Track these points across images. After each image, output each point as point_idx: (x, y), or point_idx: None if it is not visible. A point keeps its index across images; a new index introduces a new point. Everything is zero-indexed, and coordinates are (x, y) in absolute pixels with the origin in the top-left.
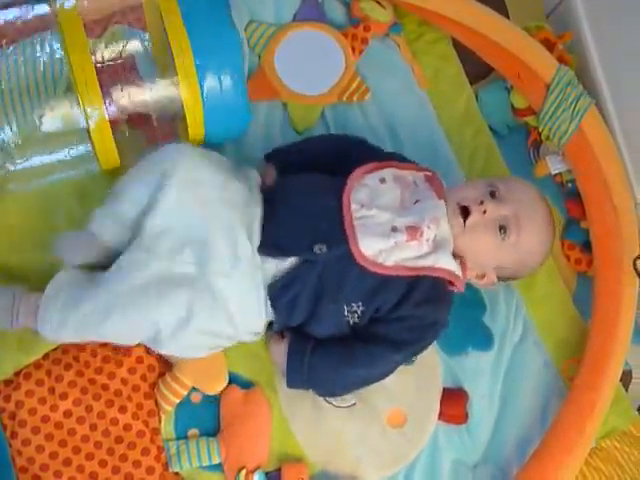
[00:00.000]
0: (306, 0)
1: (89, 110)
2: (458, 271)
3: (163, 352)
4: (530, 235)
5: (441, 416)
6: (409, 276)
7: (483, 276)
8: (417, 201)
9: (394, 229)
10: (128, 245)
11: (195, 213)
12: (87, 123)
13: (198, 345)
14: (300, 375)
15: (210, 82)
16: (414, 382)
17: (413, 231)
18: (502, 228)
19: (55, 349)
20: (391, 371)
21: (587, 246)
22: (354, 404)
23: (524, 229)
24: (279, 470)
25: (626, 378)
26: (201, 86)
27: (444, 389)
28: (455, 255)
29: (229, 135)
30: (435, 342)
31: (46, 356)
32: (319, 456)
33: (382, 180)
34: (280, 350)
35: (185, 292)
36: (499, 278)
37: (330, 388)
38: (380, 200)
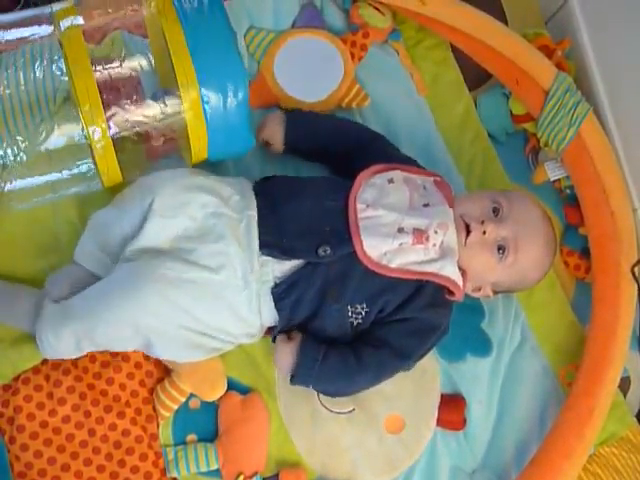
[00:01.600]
0: (305, 7)
1: (92, 130)
2: (460, 281)
3: (161, 357)
4: (528, 257)
5: (439, 422)
6: (413, 280)
7: (479, 289)
8: (426, 204)
9: (400, 230)
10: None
11: (184, 226)
12: (90, 143)
13: (194, 348)
14: (309, 375)
15: (214, 108)
16: (412, 388)
17: (419, 234)
18: (500, 248)
19: None
20: (392, 376)
21: (586, 252)
22: (353, 410)
23: (522, 251)
24: (277, 475)
25: (624, 384)
26: (205, 113)
27: (442, 395)
28: (458, 266)
29: (231, 156)
30: (434, 348)
31: (45, 361)
32: (317, 462)
33: (390, 180)
34: (288, 349)
35: (181, 293)
36: (495, 292)
37: (334, 389)
38: (387, 200)
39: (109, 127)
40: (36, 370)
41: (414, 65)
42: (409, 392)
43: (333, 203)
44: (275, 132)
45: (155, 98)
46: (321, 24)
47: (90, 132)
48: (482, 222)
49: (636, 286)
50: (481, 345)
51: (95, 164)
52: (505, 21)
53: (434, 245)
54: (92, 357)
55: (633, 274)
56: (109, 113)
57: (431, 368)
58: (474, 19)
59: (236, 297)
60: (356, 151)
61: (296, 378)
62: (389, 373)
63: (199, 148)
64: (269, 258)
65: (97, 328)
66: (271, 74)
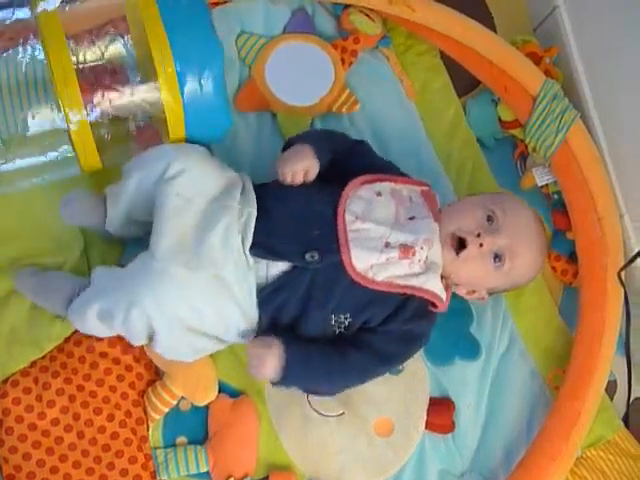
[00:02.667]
0: (296, 12)
1: (69, 112)
2: (443, 295)
3: (161, 354)
4: (525, 261)
5: (428, 425)
6: (398, 293)
7: (474, 292)
8: (412, 217)
9: (387, 245)
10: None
11: (194, 212)
12: (67, 125)
13: (184, 346)
14: (295, 377)
15: (190, 85)
16: (401, 392)
17: (406, 249)
18: (497, 257)
19: (43, 357)
20: (376, 378)
21: (573, 257)
22: (342, 413)
23: (519, 257)
24: (267, 478)
25: (611, 388)
26: (181, 88)
27: (431, 398)
28: (442, 277)
29: (210, 138)
30: (422, 352)
31: (33, 364)
32: (307, 465)
33: (378, 193)
34: (271, 355)
35: (174, 288)
36: (490, 294)
37: (316, 388)
38: (375, 214)
39: (87, 111)
40: (25, 373)
41: (404, 71)
42: (398, 396)
43: (322, 209)
44: (312, 164)
45: (134, 82)
46: (312, 30)
47: (67, 114)
48: (478, 235)
49: (622, 291)
50: (470, 349)
51: (73, 147)
52: (494, 28)
53: (419, 260)
54: (81, 358)
55: (620, 279)
56: (87, 97)
57: (420, 372)
58: (463, 26)
59: (239, 291)
60: (342, 158)
61: (282, 381)
62: (372, 376)
63: (176, 127)
64: (258, 258)
65: (116, 317)
66: (262, 79)
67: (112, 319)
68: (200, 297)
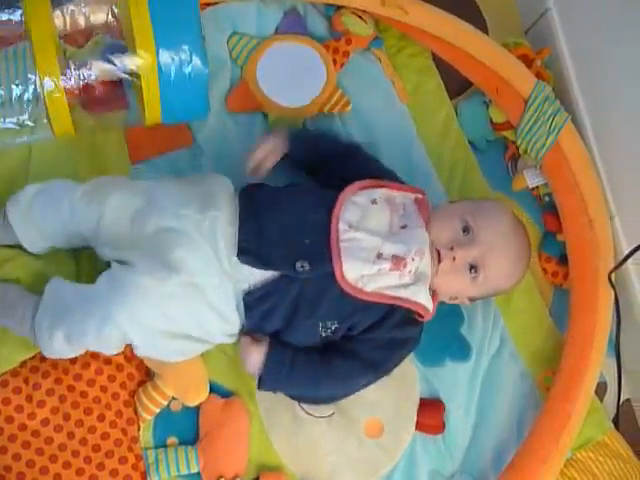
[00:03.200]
0: (288, 13)
1: (45, 78)
2: (430, 305)
3: (146, 356)
4: (500, 271)
5: (418, 426)
6: (385, 304)
7: (456, 298)
8: (404, 226)
9: (379, 256)
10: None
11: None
12: (42, 88)
13: (167, 349)
14: (276, 380)
15: (168, 56)
16: (392, 393)
17: (398, 261)
18: (473, 268)
19: (33, 357)
20: (363, 388)
21: (564, 259)
22: (333, 414)
23: (493, 267)
24: (257, 479)
25: (601, 390)
26: (158, 60)
27: (421, 399)
28: (429, 288)
29: (187, 116)
30: (413, 353)
31: (24, 364)
32: (297, 466)
33: (374, 201)
34: (254, 351)
35: (146, 300)
36: (471, 300)
37: (301, 394)
38: (369, 223)
39: (65, 76)
40: (15, 373)
41: (396, 73)
42: (389, 397)
43: (315, 216)
44: (272, 147)
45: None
46: (304, 31)
47: (42, 77)
48: (451, 248)
49: (613, 292)
50: (460, 350)
51: (47, 112)
52: (486, 30)
53: (410, 272)
54: (72, 359)
55: (610, 281)
56: (65, 62)
57: (410, 373)
58: (455, 28)
59: (214, 295)
60: (336, 161)
61: (263, 382)
62: (357, 383)
63: (151, 95)
64: (245, 265)
65: (87, 335)
66: (254, 79)
67: (83, 337)
68: (174, 306)
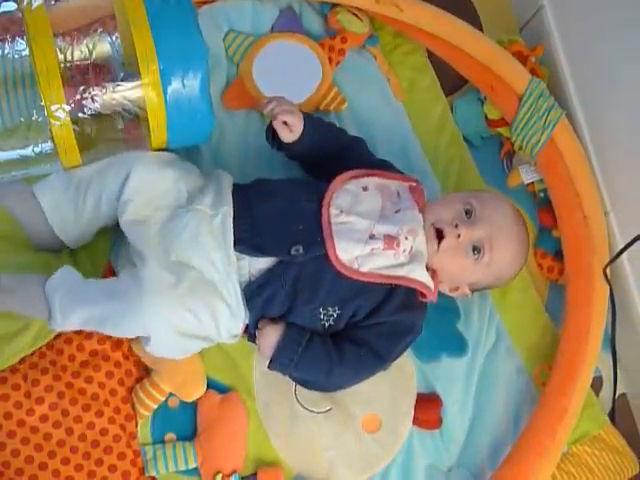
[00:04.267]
0: (284, 11)
1: (51, 108)
2: (430, 283)
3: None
4: (503, 254)
5: (415, 421)
6: (384, 284)
7: (457, 289)
8: (398, 211)
9: (372, 236)
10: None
11: (155, 229)
12: (49, 120)
13: (176, 348)
14: (290, 359)
15: (174, 85)
16: (389, 388)
17: (390, 240)
18: (475, 249)
19: (32, 353)
20: (370, 376)
21: (559, 254)
22: (330, 409)
23: (497, 249)
24: (255, 475)
25: (597, 384)
26: (164, 88)
27: (418, 394)
28: (428, 268)
29: (193, 140)
30: (410, 348)
31: (22, 360)
32: (295, 461)
33: (365, 188)
34: (272, 329)
35: (167, 297)
36: (472, 290)
37: (312, 380)
38: (360, 207)
39: (70, 106)
40: (14, 369)
41: (391, 70)
42: (385, 392)
43: (307, 204)
44: (299, 122)
45: (118, 79)
46: (299, 29)
47: (50, 112)
48: (455, 226)
49: (608, 287)
50: (457, 345)
51: (54, 145)
52: (480, 27)
53: (404, 250)
54: (71, 356)
55: (605, 276)
56: (71, 94)
57: (407, 368)
58: (450, 25)
59: (224, 289)
60: (337, 153)
61: (276, 361)
62: (367, 372)
63: (158, 126)
64: (243, 255)
65: (106, 324)
66: (250, 77)
67: (100, 327)
68: (193, 298)
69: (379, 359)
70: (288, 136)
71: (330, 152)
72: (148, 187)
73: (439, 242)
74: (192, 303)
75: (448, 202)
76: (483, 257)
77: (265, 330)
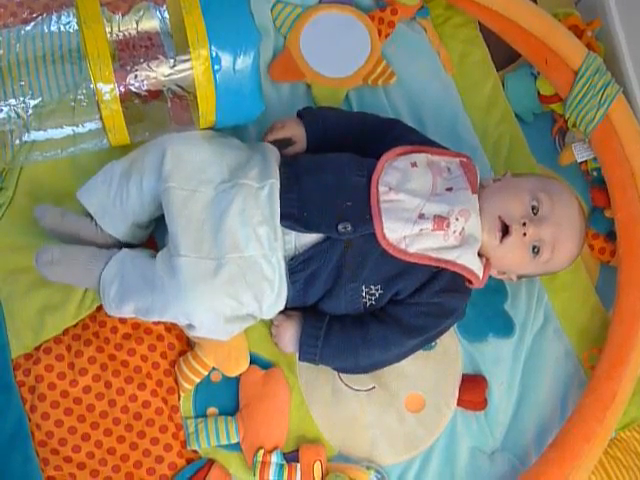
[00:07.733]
0: None
1: (100, 87)
2: (479, 271)
3: (193, 335)
4: (563, 254)
5: (460, 402)
6: (430, 266)
7: (504, 273)
8: (449, 189)
9: (421, 216)
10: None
11: (202, 202)
12: (98, 99)
13: (221, 331)
14: (312, 352)
15: (224, 70)
16: (434, 368)
17: (440, 220)
18: (535, 248)
19: (75, 325)
20: (406, 355)
21: (611, 235)
22: (373, 388)
23: (558, 251)
24: (297, 451)
25: None
26: (214, 74)
27: (463, 375)
28: (480, 254)
29: (240, 121)
30: (456, 328)
31: (66, 331)
32: (336, 439)
33: (413, 164)
34: (288, 325)
35: (206, 287)
36: (519, 277)
37: (342, 365)
38: (409, 184)
39: (119, 85)
40: (58, 340)
41: (442, 43)
42: (430, 371)
43: (356, 179)
44: (298, 131)
45: (167, 57)
46: (349, 0)
47: (99, 90)
48: (524, 224)
49: None
50: (503, 326)
51: (102, 122)
52: (535, 0)
53: (454, 232)
54: (114, 328)
55: None
56: (120, 72)
57: (453, 348)
58: None
59: (267, 265)
60: (375, 139)
61: (300, 354)
62: (397, 349)
63: (207, 107)
64: (289, 230)
65: (151, 314)
66: (297, 49)
67: (147, 316)
68: (234, 284)
69: (408, 335)
70: (293, 148)
71: (358, 135)
72: (186, 161)
73: (503, 236)
74: (233, 289)
75: (516, 192)
76: (542, 256)
77: (282, 327)
